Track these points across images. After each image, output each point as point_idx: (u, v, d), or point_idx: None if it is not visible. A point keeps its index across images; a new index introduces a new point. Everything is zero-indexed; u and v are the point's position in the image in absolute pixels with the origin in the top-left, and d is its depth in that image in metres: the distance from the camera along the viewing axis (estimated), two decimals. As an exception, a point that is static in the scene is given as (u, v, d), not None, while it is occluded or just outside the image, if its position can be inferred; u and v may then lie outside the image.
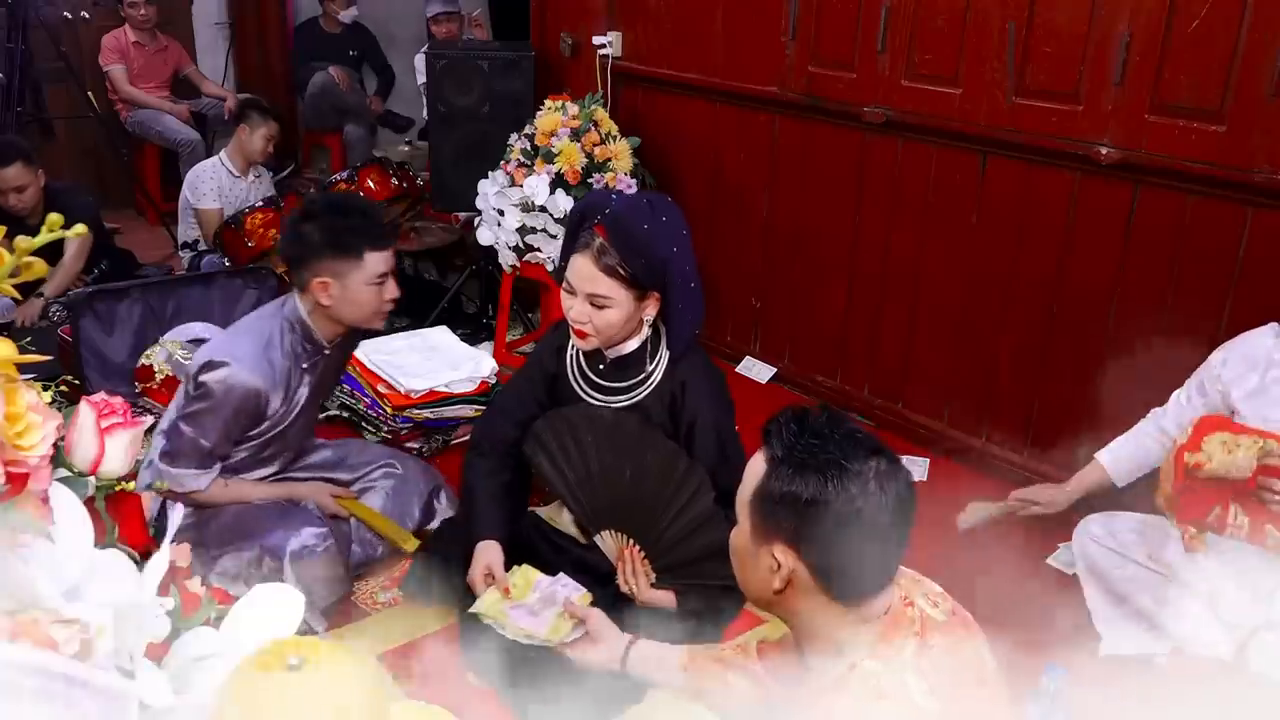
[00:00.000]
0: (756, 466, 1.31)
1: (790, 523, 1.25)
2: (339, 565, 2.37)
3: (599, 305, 2.07)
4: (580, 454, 2.12)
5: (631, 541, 2.14)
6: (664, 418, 2.17)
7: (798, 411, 1.31)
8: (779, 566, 1.27)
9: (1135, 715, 2.00)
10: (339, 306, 2.30)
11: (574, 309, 2.10)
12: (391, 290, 2.31)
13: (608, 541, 2.18)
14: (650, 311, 2.14)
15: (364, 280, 2.26)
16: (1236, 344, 2.20)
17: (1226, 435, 1.98)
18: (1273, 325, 2.15)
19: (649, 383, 2.18)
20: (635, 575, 2.14)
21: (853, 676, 1.24)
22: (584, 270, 2.07)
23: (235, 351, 2.27)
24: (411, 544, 2.49)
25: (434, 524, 2.66)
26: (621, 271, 2.05)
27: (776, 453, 1.27)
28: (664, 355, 2.19)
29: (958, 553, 2.37)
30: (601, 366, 2.21)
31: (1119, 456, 2.36)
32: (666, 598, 2.13)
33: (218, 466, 2.35)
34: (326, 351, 2.41)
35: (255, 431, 2.37)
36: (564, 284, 2.12)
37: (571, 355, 2.25)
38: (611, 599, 2.22)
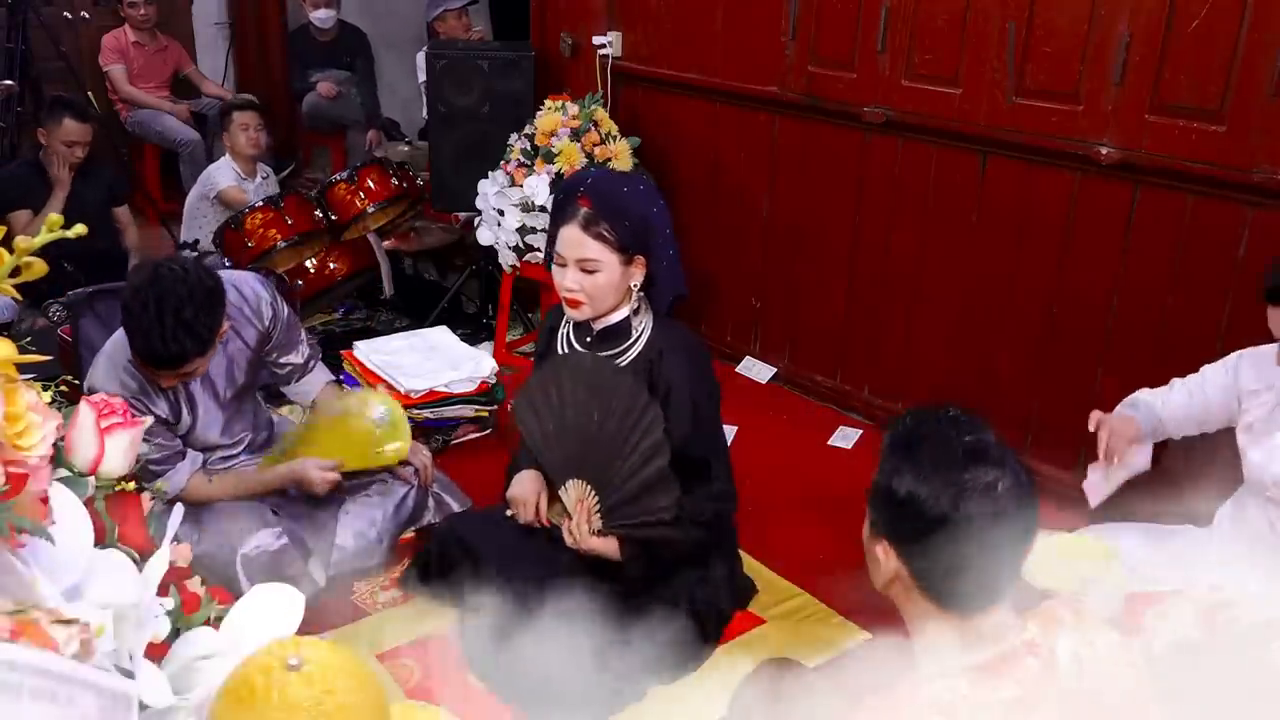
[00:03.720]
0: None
1: (887, 519, 1.22)
2: (296, 565, 2.37)
3: (589, 270, 2.16)
4: (560, 401, 2.17)
5: (590, 491, 2.18)
6: (643, 385, 2.21)
7: (927, 406, 1.27)
8: (886, 557, 1.24)
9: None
10: None
11: (566, 278, 2.18)
12: (170, 383, 2.32)
13: (571, 493, 2.22)
14: (637, 277, 2.21)
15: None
16: (1257, 356, 2.14)
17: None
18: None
19: (630, 352, 2.24)
20: (580, 525, 2.18)
21: (929, 687, 1.18)
22: (572, 238, 2.15)
23: (95, 370, 2.30)
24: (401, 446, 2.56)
25: (424, 521, 2.66)
26: (607, 235, 2.14)
27: (886, 443, 1.23)
28: (646, 326, 2.25)
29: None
30: (589, 339, 2.28)
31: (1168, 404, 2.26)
32: (609, 545, 2.18)
33: (185, 463, 2.37)
34: None
35: (182, 428, 2.40)
36: (554, 258, 2.21)
37: (562, 334, 2.33)
38: (612, 597, 2.22)
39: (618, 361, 2.23)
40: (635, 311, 2.25)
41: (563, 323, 2.33)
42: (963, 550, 1.17)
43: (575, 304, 2.19)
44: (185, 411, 2.39)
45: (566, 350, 2.31)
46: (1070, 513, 2.45)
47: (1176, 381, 2.27)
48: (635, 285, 2.22)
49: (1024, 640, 1.20)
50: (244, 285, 2.49)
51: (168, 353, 2.15)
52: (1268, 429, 2.08)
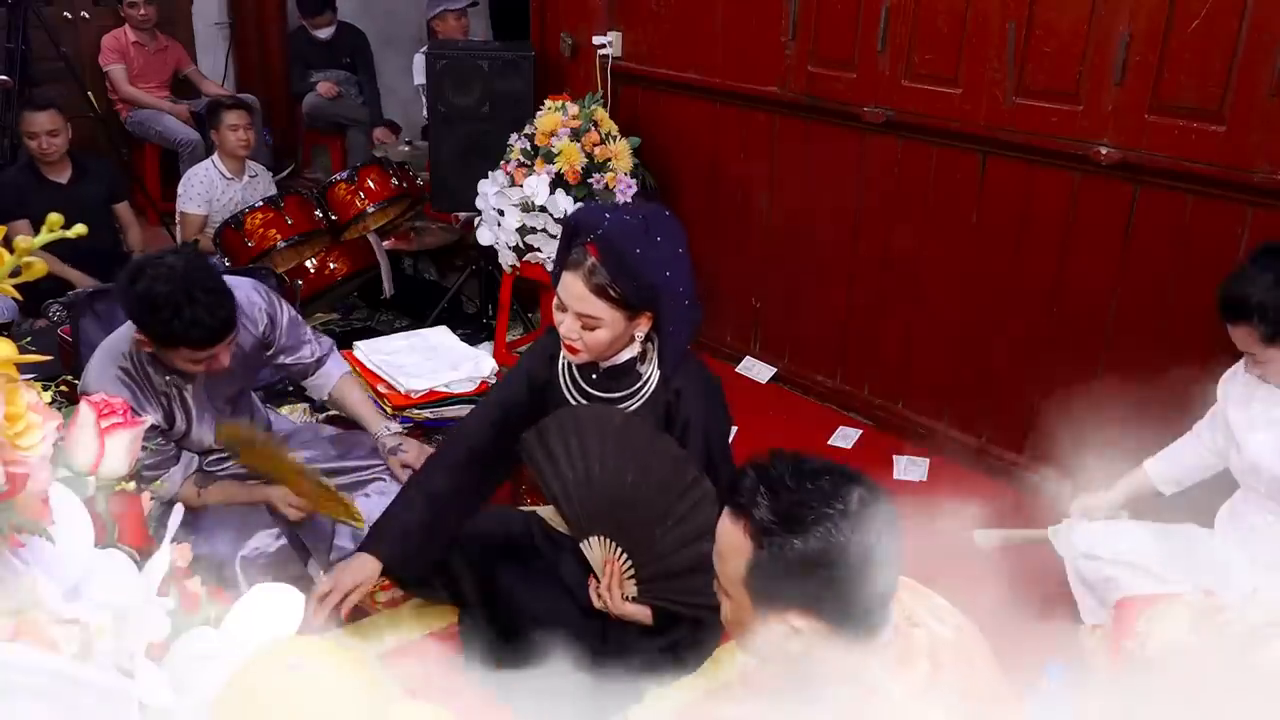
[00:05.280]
0: (736, 540, 1.23)
1: (801, 588, 1.19)
2: (295, 566, 2.37)
3: (589, 326, 2.03)
4: (582, 454, 2.09)
5: (619, 551, 2.11)
6: (659, 426, 2.13)
7: (759, 473, 1.24)
8: (797, 631, 1.21)
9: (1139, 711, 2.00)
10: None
11: (564, 324, 2.06)
12: (216, 363, 2.23)
13: (595, 550, 2.15)
14: (642, 328, 2.10)
15: (178, 359, 2.21)
16: (1235, 371, 2.21)
17: (1152, 609, 1.97)
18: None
19: (642, 393, 2.14)
20: (611, 588, 2.10)
21: (868, 705, 1.21)
22: (574, 289, 2.02)
23: (87, 378, 2.26)
24: (359, 521, 2.45)
25: None
26: (612, 293, 2.00)
27: (759, 523, 1.20)
28: (654, 370, 2.15)
29: (955, 552, 2.37)
30: (594, 375, 2.18)
31: (1161, 462, 2.36)
32: (642, 612, 2.10)
33: (179, 467, 2.37)
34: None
35: (176, 433, 2.39)
36: (555, 299, 2.09)
37: (563, 363, 2.21)
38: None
39: (628, 404, 2.15)
40: (642, 357, 2.15)
41: (561, 352, 2.20)
42: (872, 570, 1.19)
43: (573, 350, 2.09)
44: (180, 417, 2.39)
45: (569, 383, 2.20)
46: (1067, 511, 2.46)
47: (1200, 431, 2.32)
48: (640, 335, 2.11)
49: (903, 619, 1.26)
50: (239, 291, 2.47)
51: (215, 322, 2.13)
52: (1253, 425, 2.12)
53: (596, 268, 2.00)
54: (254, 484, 2.50)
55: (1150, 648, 1.92)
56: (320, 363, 2.67)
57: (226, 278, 2.57)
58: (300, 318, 2.67)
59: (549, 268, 3.59)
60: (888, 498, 1.23)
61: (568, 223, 2.12)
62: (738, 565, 1.23)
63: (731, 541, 1.24)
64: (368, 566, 2.10)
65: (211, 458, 2.51)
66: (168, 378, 2.32)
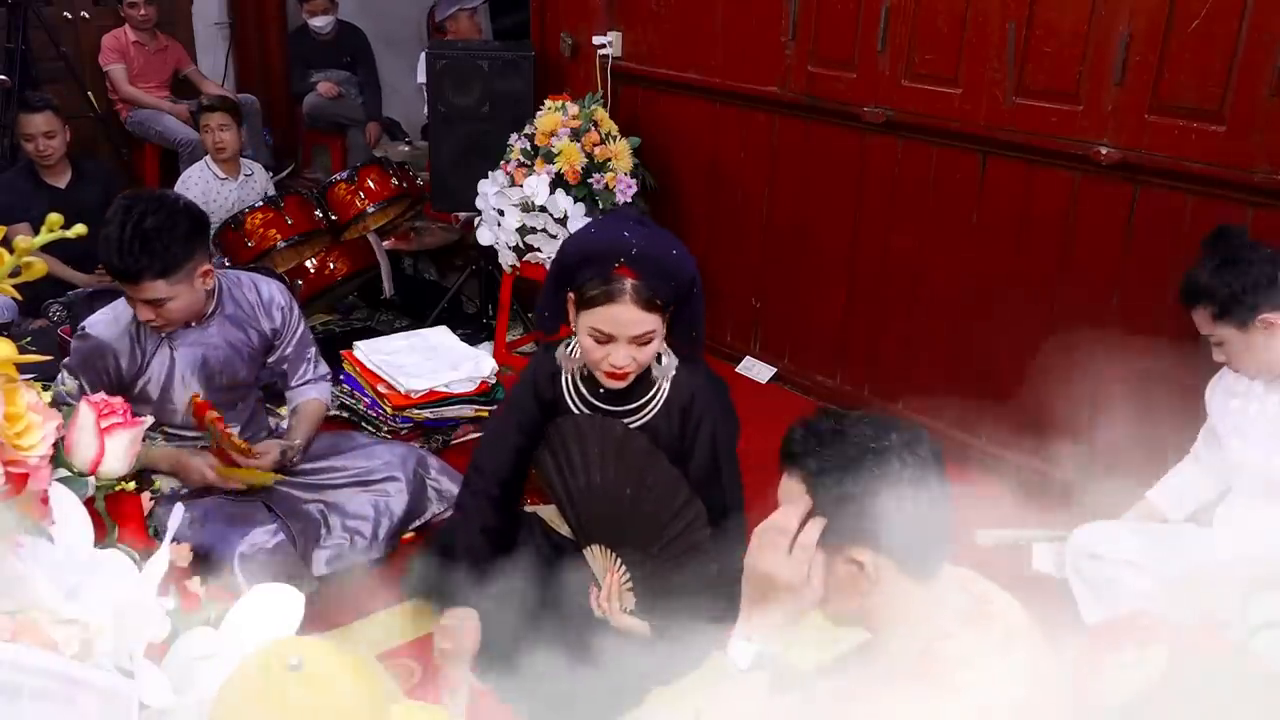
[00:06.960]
0: (794, 493, 1.32)
1: (853, 522, 1.27)
2: (293, 564, 2.36)
3: (643, 342, 2.00)
4: (584, 464, 2.09)
5: (619, 563, 2.12)
6: (674, 433, 2.12)
7: (806, 426, 1.33)
8: (862, 567, 1.29)
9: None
10: None
11: (617, 355, 2.00)
12: (144, 315, 2.29)
13: (597, 558, 2.15)
14: (664, 327, 2.09)
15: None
16: (1219, 378, 2.27)
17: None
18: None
19: (655, 402, 2.12)
20: (611, 599, 2.11)
21: (939, 649, 1.27)
22: (627, 316, 1.97)
23: (96, 315, 2.39)
24: (267, 478, 2.48)
25: (426, 517, 2.66)
26: (659, 301, 1.99)
27: (809, 469, 1.30)
28: (669, 373, 2.13)
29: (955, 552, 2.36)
30: (601, 390, 2.13)
31: (1163, 491, 2.40)
32: (641, 627, 2.09)
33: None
34: (188, 324, 2.40)
35: (137, 385, 2.41)
36: (592, 334, 2.00)
37: (567, 380, 2.18)
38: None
39: (642, 414, 2.12)
40: (656, 360, 2.11)
41: (565, 372, 2.16)
42: (925, 504, 1.27)
43: (622, 377, 2.04)
44: (153, 375, 2.40)
45: (577, 399, 2.16)
46: (1067, 511, 2.46)
47: (1198, 451, 2.36)
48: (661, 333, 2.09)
49: (978, 593, 1.34)
50: (262, 284, 2.56)
51: (123, 253, 2.19)
52: (1243, 427, 2.16)
53: (641, 286, 1.97)
54: (179, 448, 2.49)
55: (1121, 694, 1.93)
56: (304, 381, 2.65)
57: (253, 275, 2.60)
58: (311, 338, 2.68)
59: (549, 267, 3.58)
60: (929, 438, 1.31)
61: (576, 256, 2.05)
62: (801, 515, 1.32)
63: (790, 495, 1.33)
64: (470, 622, 2.12)
65: (200, 445, 2.52)
66: (164, 336, 2.40)
